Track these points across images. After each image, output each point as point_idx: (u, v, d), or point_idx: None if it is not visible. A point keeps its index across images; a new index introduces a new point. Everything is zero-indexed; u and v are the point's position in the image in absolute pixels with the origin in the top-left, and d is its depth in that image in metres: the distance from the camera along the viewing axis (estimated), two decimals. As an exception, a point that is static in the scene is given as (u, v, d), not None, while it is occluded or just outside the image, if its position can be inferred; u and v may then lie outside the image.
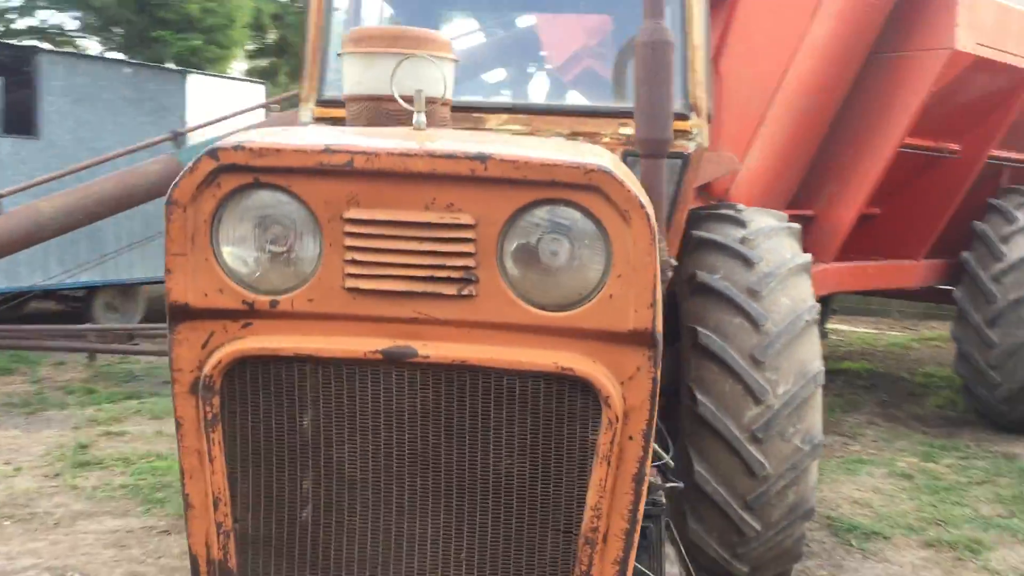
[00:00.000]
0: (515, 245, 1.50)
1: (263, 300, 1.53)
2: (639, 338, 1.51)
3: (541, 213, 1.48)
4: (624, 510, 1.57)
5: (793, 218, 5.22)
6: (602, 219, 1.47)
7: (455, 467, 1.58)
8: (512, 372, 1.53)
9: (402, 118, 1.89)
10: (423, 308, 1.52)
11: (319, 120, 3.57)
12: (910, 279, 6.45)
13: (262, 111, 8.07)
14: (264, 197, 1.50)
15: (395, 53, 1.84)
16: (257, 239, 1.52)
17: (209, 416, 1.56)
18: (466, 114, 3.54)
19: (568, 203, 1.47)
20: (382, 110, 1.87)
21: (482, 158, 1.45)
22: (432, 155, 1.46)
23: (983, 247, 6.32)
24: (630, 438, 1.54)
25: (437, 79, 1.90)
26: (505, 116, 3.51)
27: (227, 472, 1.58)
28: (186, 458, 1.59)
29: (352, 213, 1.49)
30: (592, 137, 3.50)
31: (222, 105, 8.12)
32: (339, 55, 1.93)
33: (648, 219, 1.46)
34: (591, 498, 1.56)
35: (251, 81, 9.51)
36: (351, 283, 1.52)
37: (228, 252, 1.53)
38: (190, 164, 1.48)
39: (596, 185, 1.45)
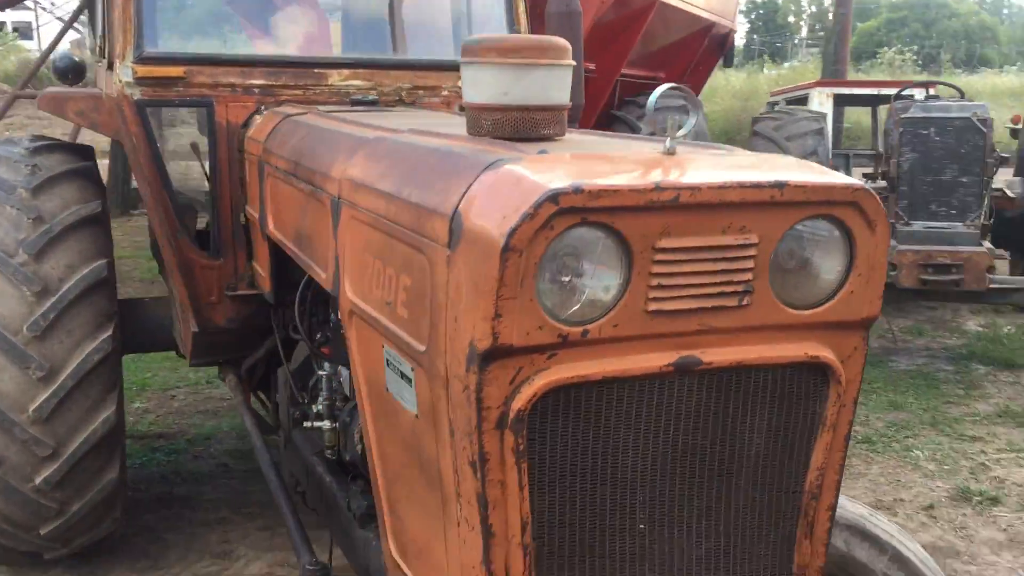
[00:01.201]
0: (781, 255, 1.69)
1: (576, 331, 1.58)
2: (866, 324, 1.80)
3: (803, 226, 1.69)
4: (836, 465, 1.87)
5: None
6: (852, 228, 1.72)
7: (717, 454, 1.77)
8: (772, 366, 1.75)
9: (543, 128, 1.94)
10: (707, 320, 1.67)
11: (142, 80, 3.25)
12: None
13: None
14: (586, 234, 1.54)
15: (545, 64, 1.87)
16: (575, 275, 1.56)
17: (520, 447, 1.59)
18: (306, 70, 3.42)
19: (827, 216, 1.70)
20: (528, 120, 1.89)
21: (780, 185, 1.62)
22: (743, 186, 1.60)
23: (615, 154, 7.16)
24: (844, 406, 1.84)
25: (566, 86, 1.97)
26: (347, 72, 3.45)
27: (530, 497, 1.63)
28: (491, 490, 1.61)
29: (663, 243, 1.58)
30: (432, 91, 3.56)
31: None
32: (475, 63, 1.89)
33: (887, 226, 1.74)
34: (816, 460, 1.84)
35: None
36: (653, 306, 1.62)
37: (548, 290, 1.55)
38: (528, 210, 1.47)
39: (856, 201, 1.69)
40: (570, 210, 1.51)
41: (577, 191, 1.50)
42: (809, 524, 1.88)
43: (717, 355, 1.69)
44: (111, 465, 3.73)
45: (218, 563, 4.32)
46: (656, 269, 1.60)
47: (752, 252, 1.66)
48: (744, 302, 1.68)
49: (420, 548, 1.98)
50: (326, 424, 2.78)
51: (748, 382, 1.75)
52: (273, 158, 2.90)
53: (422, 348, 1.75)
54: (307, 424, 2.81)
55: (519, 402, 1.58)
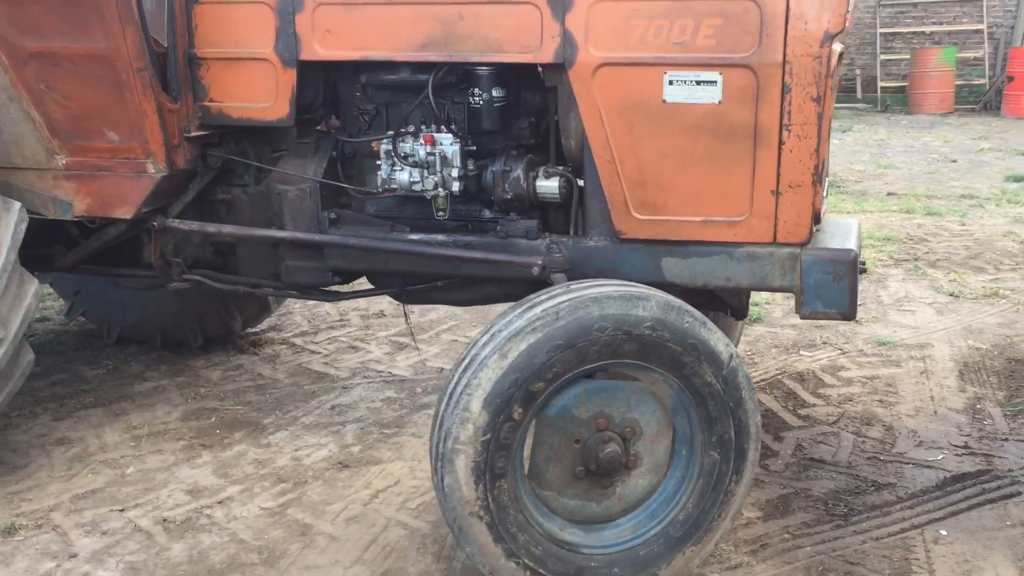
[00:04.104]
0: None
1: (839, 27, 3.19)
2: None
3: None
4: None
5: None
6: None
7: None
8: None
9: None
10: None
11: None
12: None
13: None
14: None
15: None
16: None
17: (834, 84, 3.16)
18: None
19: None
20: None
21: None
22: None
23: None
24: None
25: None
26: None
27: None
28: (824, 109, 3.11)
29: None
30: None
31: None
32: None
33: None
34: None
35: None
36: None
37: (842, 4, 3.13)
38: (856, -42, 3.04)
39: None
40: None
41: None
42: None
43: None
44: (27, 347, 3.76)
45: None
46: None
47: None
48: None
49: (696, 194, 3.29)
50: (440, 192, 3.63)
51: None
52: None
53: (746, 54, 3.13)
54: (426, 193, 3.55)
55: (833, 60, 3.14)
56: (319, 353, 5.43)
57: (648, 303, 2.92)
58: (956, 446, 4.23)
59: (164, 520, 3.65)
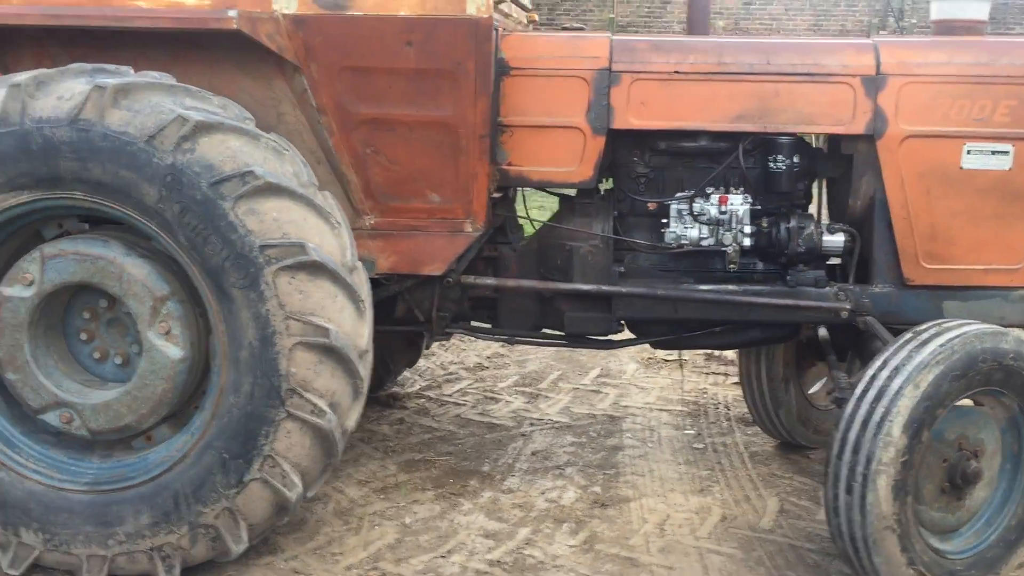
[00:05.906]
0: None
1: None
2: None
3: None
4: None
5: None
6: None
7: None
8: None
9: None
10: None
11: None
12: None
13: None
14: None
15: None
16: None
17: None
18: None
19: None
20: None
21: None
22: None
23: None
24: None
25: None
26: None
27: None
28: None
29: None
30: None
31: None
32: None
33: None
34: None
35: None
36: None
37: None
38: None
39: None
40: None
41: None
42: None
43: None
44: None
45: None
46: None
47: None
48: None
49: (980, 246, 3.87)
50: (733, 247, 4.03)
51: None
52: (657, 66, 3.88)
53: (1038, 130, 3.77)
54: (724, 248, 3.94)
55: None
56: (463, 405, 5.60)
57: (1009, 338, 3.46)
58: None
59: (498, 562, 3.80)
